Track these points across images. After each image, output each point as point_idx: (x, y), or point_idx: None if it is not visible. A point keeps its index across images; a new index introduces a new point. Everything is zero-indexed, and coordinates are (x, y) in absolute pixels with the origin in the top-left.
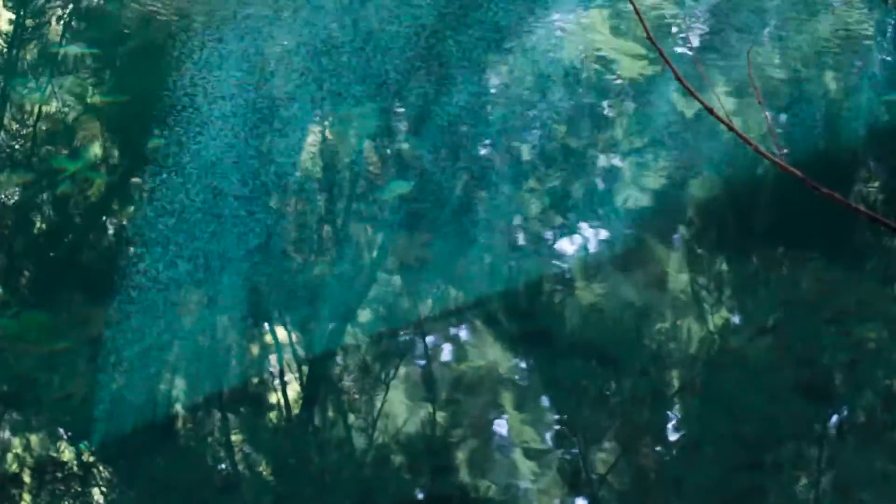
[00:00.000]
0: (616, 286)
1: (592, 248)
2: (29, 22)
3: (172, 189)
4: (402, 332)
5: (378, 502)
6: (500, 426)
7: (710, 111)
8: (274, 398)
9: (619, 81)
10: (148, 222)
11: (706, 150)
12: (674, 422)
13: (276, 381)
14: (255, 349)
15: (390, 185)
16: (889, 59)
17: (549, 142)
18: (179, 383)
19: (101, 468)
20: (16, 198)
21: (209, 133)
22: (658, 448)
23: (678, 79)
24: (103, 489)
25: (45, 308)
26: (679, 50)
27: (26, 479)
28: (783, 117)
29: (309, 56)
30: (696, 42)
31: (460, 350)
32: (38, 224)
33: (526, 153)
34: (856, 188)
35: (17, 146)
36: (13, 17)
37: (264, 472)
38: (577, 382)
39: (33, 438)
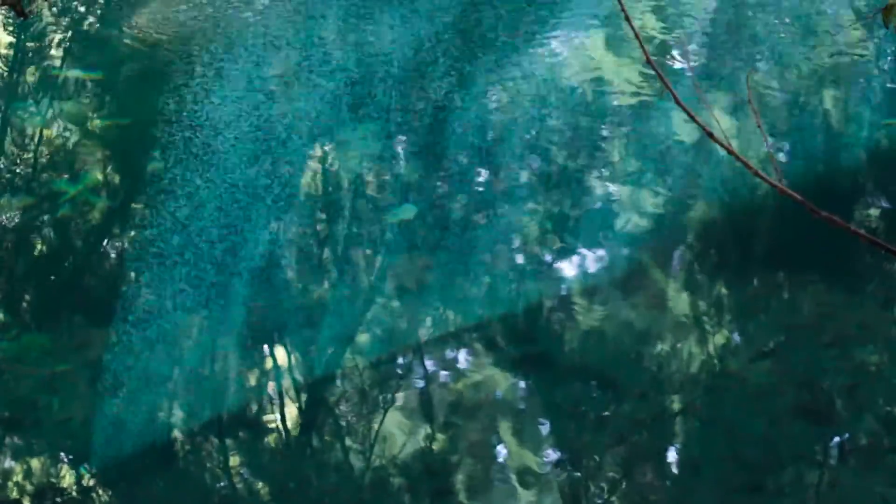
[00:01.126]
0: (616, 309)
1: (592, 271)
2: (30, 46)
3: (172, 213)
4: (401, 356)
5: None
6: (499, 449)
7: (710, 135)
8: (273, 421)
9: (618, 104)
10: (148, 246)
11: (706, 174)
12: (674, 445)
13: (275, 404)
14: (254, 372)
15: (396, 209)
16: (889, 82)
17: (548, 165)
18: (179, 406)
19: (100, 491)
20: (17, 221)
21: (209, 157)
22: (658, 471)
23: (677, 102)
24: None
25: (46, 331)
26: (678, 73)
27: (26, 503)
28: (783, 141)
29: (309, 80)
30: (694, 64)
31: (459, 373)
32: (38, 247)
33: (525, 176)
34: (856, 212)
35: (17, 170)
36: (14, 41)
37: (263, 495)
38: (577, 405)
39: (33, 461)
